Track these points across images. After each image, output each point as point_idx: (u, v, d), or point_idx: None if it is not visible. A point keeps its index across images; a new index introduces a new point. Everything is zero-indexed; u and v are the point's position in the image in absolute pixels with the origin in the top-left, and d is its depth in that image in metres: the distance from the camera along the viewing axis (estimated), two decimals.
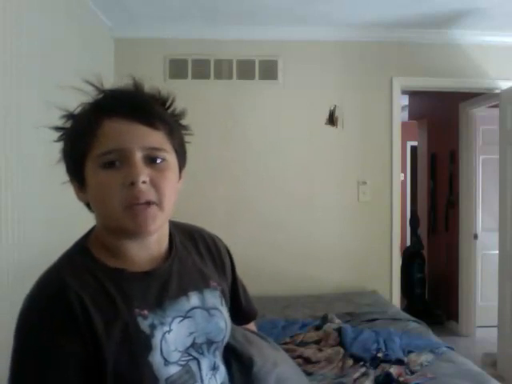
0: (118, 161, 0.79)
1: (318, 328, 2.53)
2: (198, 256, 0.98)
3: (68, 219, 2.67)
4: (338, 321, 2.60)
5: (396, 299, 3.55)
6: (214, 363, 0.90)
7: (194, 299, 0.89)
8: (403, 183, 6.78)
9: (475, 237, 4.30)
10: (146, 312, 0.81)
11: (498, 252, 3.52)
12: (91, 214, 0.89)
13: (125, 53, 3.43)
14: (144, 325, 0.80)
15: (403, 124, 3.72)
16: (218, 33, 3.41)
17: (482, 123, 4.37)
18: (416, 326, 2.63)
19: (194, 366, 0.85)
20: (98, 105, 0.85)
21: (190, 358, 0.85)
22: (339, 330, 2.37)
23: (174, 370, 0.81)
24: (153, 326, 0.80)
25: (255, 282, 3.30)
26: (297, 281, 3.43)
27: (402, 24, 3.34)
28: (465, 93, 3.92)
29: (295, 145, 3.51)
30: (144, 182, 0.79)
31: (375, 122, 3.54)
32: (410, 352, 2.14)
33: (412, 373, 1.95)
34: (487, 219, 4.34)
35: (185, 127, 0.96)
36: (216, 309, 0.92)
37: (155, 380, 0.79)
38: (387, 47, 3.52)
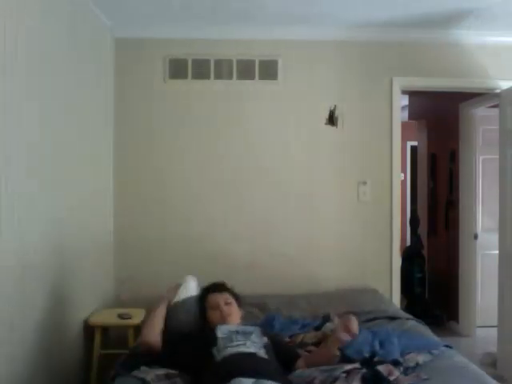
0: (217, 307, 2.18)
1: (317, 328, 2.53)
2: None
3: (68, 220, 2.67)
4: (337, 321, 2.60)
5: (396, 299, 3.55)
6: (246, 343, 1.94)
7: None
8: (403, 183, 6.79)
9: (475, 237, 4.30)
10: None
11: (497, 252, 3.52)
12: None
13: (125, 53, 3.43)
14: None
15: (403, 124, 3.72)
16: (218, 33, 3.41)
17: (482, 123, 4.37)
18: (415, 325, 2.64)
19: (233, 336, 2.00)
20: (207, 291, 2.29)
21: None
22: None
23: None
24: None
25: (255, 282, 3.32)
26: (297, 280, 3.44)
27: (402, 24, 3.34)
28: (465, 93, 3.92)
29: (295, 145, 3.51)
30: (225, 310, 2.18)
31: (375, 122, 3.54)
32: (408, 354, 2.12)
33: (406, 374, 1.94)
34: (487, 219, 4.34)
35: (237, 295, 2.31)
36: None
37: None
38: (387, 47, 3.52)
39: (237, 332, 2.01)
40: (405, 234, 5.60)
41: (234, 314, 2.18)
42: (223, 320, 2.12)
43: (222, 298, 2.20)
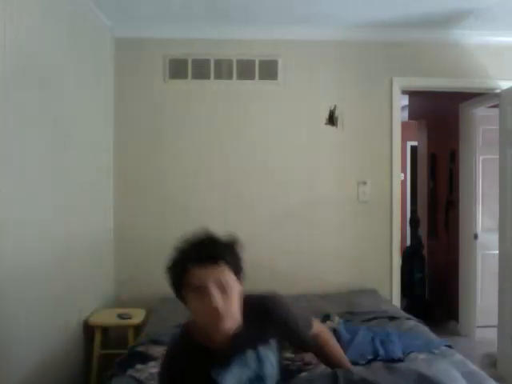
0: (202, 290, 1.26)
1: None
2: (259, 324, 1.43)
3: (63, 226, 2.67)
4: (337, 320, 2.60)
5: (396, 299, 3.55)
6: None
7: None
8: (403, 183, 6.78)
9: (475, 237, 4.29)
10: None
11: (498, 252, 3.52)
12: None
13: (125, 52, 3.43)
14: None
15: (403, 124, 3.72)
16: (218, 33, 3.41)
17: (482, 123, 4.37)
18: (415, 325, 2.63)
19: None
20: (186, 258, 1.36)
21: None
22: (334, 331, 2.36)
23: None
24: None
25: (255, 282, 3.31)
26: (297, 280, 3.43)
27: (402, 24, 3.34)
28: (465, 93, 3.92)
29: (295, 145, 3.51)
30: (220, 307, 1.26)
31: (375, 122, 3.54)
32: (409, 354, 2.13)
33: None
34: (487, 219, 4.34)
35: (241, 258, 1.39)
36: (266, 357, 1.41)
37: None
38: (387, 47, 3.52)
39: (250, 381, 1.35)
40: (405, 234, 5.60)
41: (234, 310, 1.30)
42: (216, 326, 1.27)
43: (213, 279, 1.27)
